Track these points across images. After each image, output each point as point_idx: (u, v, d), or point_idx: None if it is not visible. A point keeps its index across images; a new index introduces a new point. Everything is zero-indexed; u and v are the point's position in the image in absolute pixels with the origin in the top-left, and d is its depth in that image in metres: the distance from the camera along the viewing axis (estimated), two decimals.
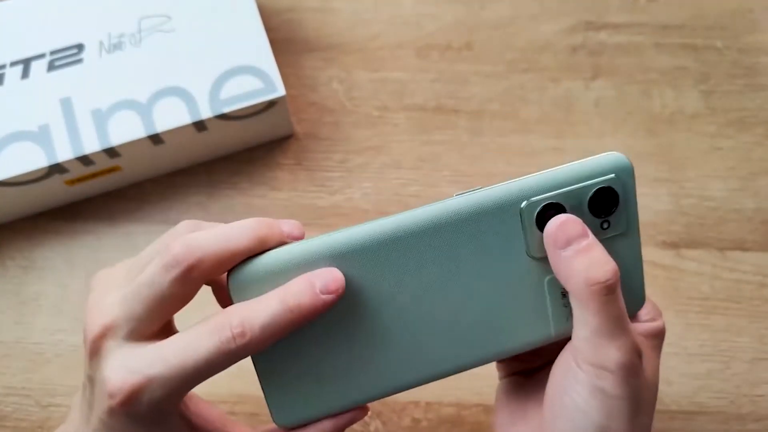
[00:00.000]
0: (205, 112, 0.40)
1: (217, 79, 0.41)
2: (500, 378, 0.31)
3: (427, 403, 0.38)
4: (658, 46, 0.48)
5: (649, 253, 0.41)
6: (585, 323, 0.23)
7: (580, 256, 0.23)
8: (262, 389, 0.25)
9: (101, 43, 0.43)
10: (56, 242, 0.42)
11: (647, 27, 0.48)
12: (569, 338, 0.25)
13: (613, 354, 0.23)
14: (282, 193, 0.44)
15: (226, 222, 0.24)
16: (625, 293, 0.24)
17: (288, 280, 0.23)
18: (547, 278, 0.25)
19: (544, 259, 0.25)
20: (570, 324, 0.24)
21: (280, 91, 0.41)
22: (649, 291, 0.28)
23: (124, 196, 0.44)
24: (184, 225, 0.25)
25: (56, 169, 0.40)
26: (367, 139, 0.45)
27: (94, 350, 0.23)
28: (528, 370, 0.30)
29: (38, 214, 0.43)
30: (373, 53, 0.48)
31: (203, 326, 0.22)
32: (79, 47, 0.43)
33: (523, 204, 0.24)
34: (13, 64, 0.42)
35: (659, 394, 0.27)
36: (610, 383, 0.23)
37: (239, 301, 0.23)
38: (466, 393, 0.38)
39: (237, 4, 0.43)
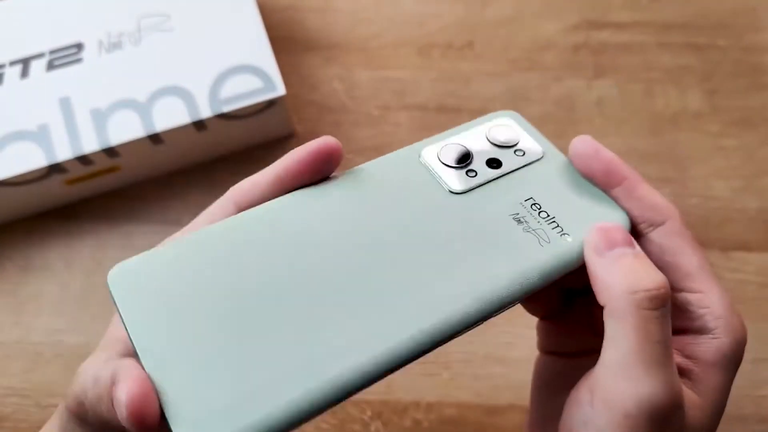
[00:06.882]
0: (205, 112, 0.40)
1: (216, 78, 0.41)
2: (539, 351, 0.28)
3: (428, 404, 0.38)
4: (661, 45, 0.47)
5: None
6: (615, 344, 0.18)
7: (623, 260, 0.19)
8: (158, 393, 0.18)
9: (100, 43, 0.42)
10: (55, 242, 0.42)
11: (650, 26, 0.48)
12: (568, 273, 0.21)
13: (642, 390, 0.18)
14: None
15: None
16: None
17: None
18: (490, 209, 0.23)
19: (469, 192, 0.23)
20: (542, 247, 0.21)
21: (280, 90, 0.41)
22: None
23: (124, 196, 0.44)
24: None
25: (55, 168, 0.39)
26: (368, 138, 0.45)
27: None
28: (563, 353, 0.26)
29: (37, 214, 0.43)
30: (374, 52, 0.48)
31: None
32: (79, 46, 0.42)
33: (423, 151, 0.24)
34: (13, 63, 0.42)
35: None
36: None
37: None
38: (467, 394, 0.38)
39: (237, 2, 0.43)
